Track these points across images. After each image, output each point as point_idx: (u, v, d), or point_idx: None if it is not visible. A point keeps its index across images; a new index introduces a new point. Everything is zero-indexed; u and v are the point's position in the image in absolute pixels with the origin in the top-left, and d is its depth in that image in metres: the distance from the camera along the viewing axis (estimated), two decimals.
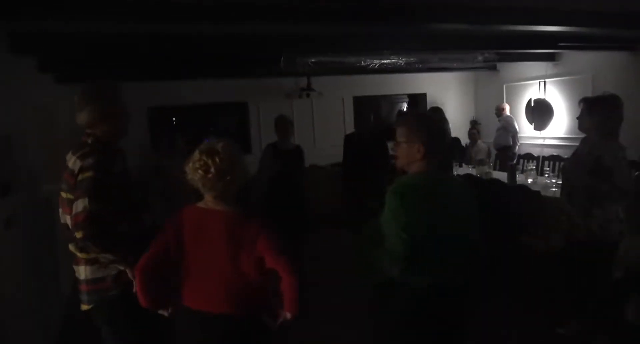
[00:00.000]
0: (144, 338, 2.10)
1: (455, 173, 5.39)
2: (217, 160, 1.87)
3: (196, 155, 1.92)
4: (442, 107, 5.74)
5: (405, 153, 1.93)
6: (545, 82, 6.93)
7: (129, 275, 2.00)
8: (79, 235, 1.91)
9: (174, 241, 1.89)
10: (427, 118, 2.12)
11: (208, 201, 1.93)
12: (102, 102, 2.07)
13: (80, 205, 1.91)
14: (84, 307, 2.08)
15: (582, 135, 3.24)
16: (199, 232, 1.90)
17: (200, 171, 1.87)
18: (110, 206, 1.96)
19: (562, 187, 3.29)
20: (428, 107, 8.21)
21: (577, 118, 3.22)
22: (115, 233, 1.98)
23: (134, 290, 1.94)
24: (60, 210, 2.11)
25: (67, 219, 2.02)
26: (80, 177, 1.96)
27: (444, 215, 1.87)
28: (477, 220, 1.98)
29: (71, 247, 2.05)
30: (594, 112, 3.04)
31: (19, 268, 2.98)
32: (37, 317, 3.23)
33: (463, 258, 1.95)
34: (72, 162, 2.03)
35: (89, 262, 2.04)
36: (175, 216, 1.95)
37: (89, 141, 2.07)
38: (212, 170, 1.85)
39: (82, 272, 2.06)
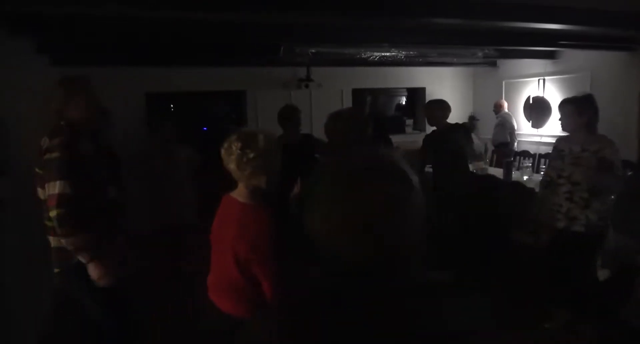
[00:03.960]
0: (103, 303, 2.37)
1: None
2: (241, 146, 1.81)
3: (229, 139, 1.87)
4: None
5: None
6: (544, 80, 6.93)
7: (92, 268, 2.22)
8: (52, 214, 2.16)
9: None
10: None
11: (237, 190, 1.89)
12: (70, 91, 2.37)
13: (53, 187, 2.15)
14: (56, 270, 2.38)
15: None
16: (220, 221, 1.89)
17: (225, 155, 1.83)
18: (80, 185, 2.19)
19: (556, 186, 3.27)
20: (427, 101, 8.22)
21: (560, 119, 3.26)
22: (87, 216, 2.22)
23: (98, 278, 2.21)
24: (37, 186, 2.36)
25: (39, 192, 2.31)
26: (47, 156, 2.20)
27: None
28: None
29: (46, 220, 2.31)
30: (587, 111, 3.12)
31: (12, 249, 2.97)
32: (30, 296, 3.24)
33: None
34: (43, 140, 2.29)
35: (50, 232, 2.31)
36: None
37: (61, 123, 2.34)
38: (235, 157, 1.80)
39: (52, 241, 2.34)
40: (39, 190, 2.32)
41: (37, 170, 2.30)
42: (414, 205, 0.90)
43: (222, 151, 1.86)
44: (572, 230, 3.16)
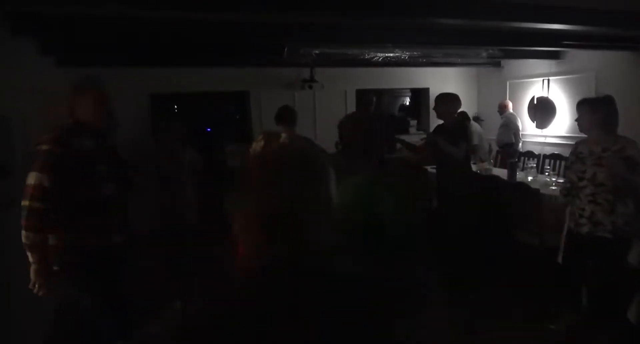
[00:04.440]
0: (103, 303, 2.40)
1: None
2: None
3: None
4: None
5: None
6: (549, 80, 6.90)
7: (32, 272, 2.24)
8: (23, 204, 2.18)
9: None
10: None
11: None
12: (79, 91, 2.42)
13: (31, 178, 2.17)
14: (55, 268, 2.36)
15: (584, 135, 3.24)
16: None
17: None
18: (65, 181, 2.21)
19: (579, 189, 3.17)
20: (430, 102, 8.19)
21: (577, 119, 3.21)
22: (67, 213, 2.24)
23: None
24: None
25: None
26: (36, 148, 2.24)
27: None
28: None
29: None
30: (600, 110, 3.06)
31: (18, 248, 2.98)
32: (33, 299, 3.24)
33: None
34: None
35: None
36: None
37: (69, 122, 2.39)
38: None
39: (51, 238, 2.33)
40: None
41: None
42: (324, 198, 0.92)
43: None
44: (597, 235, 3.04)
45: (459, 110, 4.83)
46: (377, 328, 0.90)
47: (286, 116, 4.19)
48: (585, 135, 3.21)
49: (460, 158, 4.25)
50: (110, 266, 2.43)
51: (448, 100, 4.45)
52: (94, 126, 2.46)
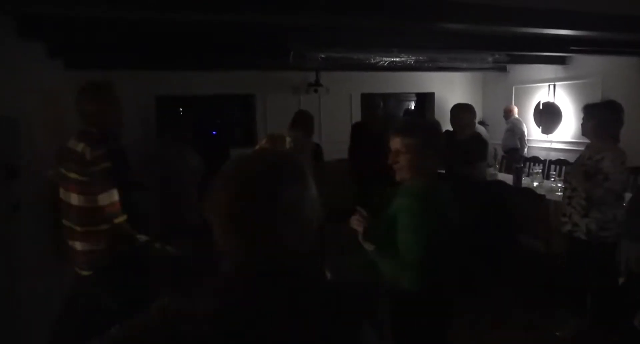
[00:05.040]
0: (132, 307, 2.33)
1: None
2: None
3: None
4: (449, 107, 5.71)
5: (414, 162, 1.93)
6: (554, 86, 6.89)
7: (156, 246, 2.48)
8: (118, 221, 2.34)
9: None
10: (435, 126, 2.12)
11: None
12: (101, 96, 2.43)
13: (111, 195, 2.32)
14: (84, 273, 2.43)
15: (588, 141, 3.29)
16: None
17: None
18: (129, 190, 2.40)
19: (564, 190, 3.41)
20: (435, 106, 8.20)
21: (581, 124, 3.27)
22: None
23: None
24: (63, 188, 2.44)
25: (72, 197, 2.36)
26: (98, 167, 2.27)
27: (444, 221, 1.91)
28: (460, 224, 2.03)
29: (68, 222, 2.41)
30: (594, 117, 3.12)
31: (26, 249, 3.00)
32: (42, 298, 3.26)
33: (456, 261, 2.02)
34: (81, 147, 2.32)
35: (83, 237, 2.38)
36: None
37: (94, 130, 2.38)
38: None
39: (79, 245, 2.39)
40: (65, 192, 2.40)
41: (70, 174, 2.37)
42: (308, 202, 0.91)
43: None
44: (575, 236, 3.17)
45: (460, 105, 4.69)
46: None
47: (295, 120, 4.18)
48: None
49: (477, 178, 4.11)
50: (137, 266, 2.52)
51: (466, 110, 4.29)
52: (115, 130, 2.54)
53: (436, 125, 2.11)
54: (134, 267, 2.46)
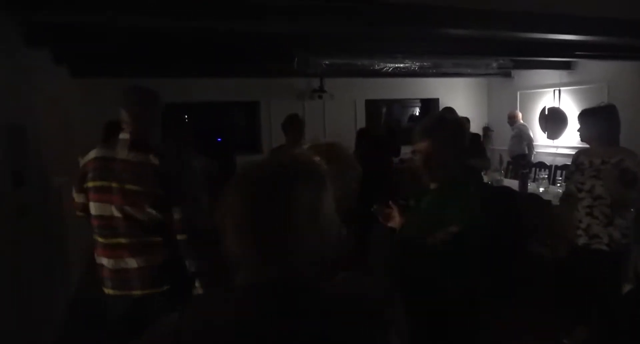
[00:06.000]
0: None
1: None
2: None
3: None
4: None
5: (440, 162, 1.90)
6: (560, 91, 6.87)
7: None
8: (182, 237, 2.16)
9: None
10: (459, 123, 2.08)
11: None
12: (154, 105, 2.29)
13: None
14: (137, 293, 2.19)
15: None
16: None
17: None
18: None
19: (578, 200, 3.10)
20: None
21: (579, 130, 3.18)
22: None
23: None
24: (102, 202, 2.17)
25: (113, 209, 2.14)
26: (175, 178, 2.15)
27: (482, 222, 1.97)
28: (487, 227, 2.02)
29: (115, 240, 2.18)
30: (602, 121, 3.02)
31: (31, 256, 3.01)
32: (45, 305, 3.26)
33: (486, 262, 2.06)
34: (133, 155, 2.13)
35: (137, 252, 2.17)
36: None
37: (137, 138, 2.18)
38: None
39: (134, 262, 2.17)
40: (112, 207, 2.16)
41: (113, 184, 2.14)
42: (327, 207, 0.88)
43: None
44: (593, 248, 3.00)
45: (460, 116, 4.75)
46: None
47: (285, 124, 4.16)
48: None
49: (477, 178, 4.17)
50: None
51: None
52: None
53: (455, 121, 2.11)
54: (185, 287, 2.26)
